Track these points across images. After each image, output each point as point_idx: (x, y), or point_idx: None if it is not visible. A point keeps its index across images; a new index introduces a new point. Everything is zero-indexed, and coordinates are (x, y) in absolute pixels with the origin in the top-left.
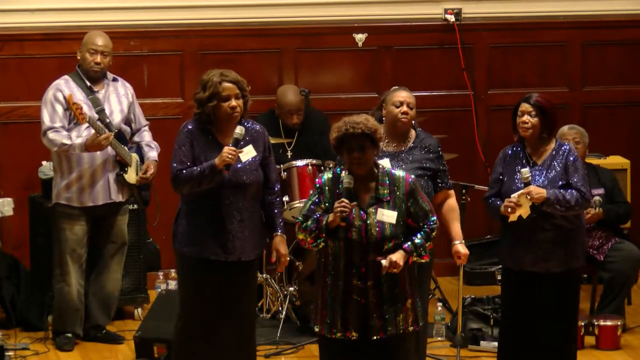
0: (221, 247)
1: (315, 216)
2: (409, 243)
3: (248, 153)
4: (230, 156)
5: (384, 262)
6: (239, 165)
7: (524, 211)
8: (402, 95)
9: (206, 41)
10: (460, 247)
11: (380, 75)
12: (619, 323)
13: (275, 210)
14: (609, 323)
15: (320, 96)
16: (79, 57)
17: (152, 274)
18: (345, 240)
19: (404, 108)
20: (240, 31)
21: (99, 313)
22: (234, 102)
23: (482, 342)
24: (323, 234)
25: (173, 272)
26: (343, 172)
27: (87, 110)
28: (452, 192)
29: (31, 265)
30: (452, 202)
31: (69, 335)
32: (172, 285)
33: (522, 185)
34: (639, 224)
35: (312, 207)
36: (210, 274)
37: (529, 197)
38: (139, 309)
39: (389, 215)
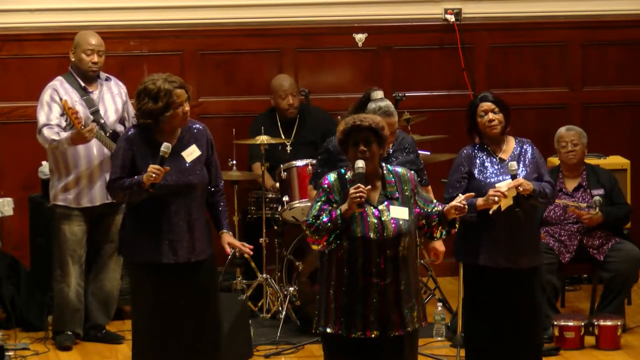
0: (171, 250)
1: (327, 212)
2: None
3: (192, 153)
4: (154, 175)
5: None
6: (186, 166)
7: (505, 202)
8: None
9: (206, 41)
10: (438, 245)
11: (380, 75)
12: (619, 323)
13: (220, 209)
14: (609, 323)
15: (320, 96)
16: (73, 59)
17: None
18: (363, 239)
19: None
20: (240, 31)
21: (98, 313)
22: (187, 107)
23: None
24: (338, 227)
25: None
26: (348, 172)
27: (82, 109)
28: (429, 188)
29: (31, 265)
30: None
31: (69, 333)
32: None
33: (503, 178)
34: (639, 224)
35: (321, 207)
36: (162, 278)
37: (520, 189)
38: None
39: (401, 211)
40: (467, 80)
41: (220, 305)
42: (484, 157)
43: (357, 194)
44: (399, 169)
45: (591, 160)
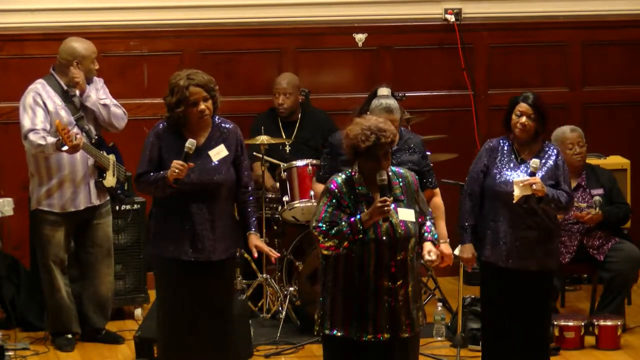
0: (191, 247)
1: (344, 220)
2: (429, 235)
3: (220, 152)
4: (177, 171)
5: (434, 257)
6: (211, 165)
7: (517, 197)
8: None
9: (206, 41)
10: (444, 248)
11: (380, 75)
12: (619, 323)
13: (249, 209)
14: (609, 323)
15: (320, 96)
16: (80, 69)
17: (152, 274)
18: (375, 241)
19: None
20: (240, 31)
21: (95, 317)
22: (202, 106)
23: (482, 342)
24: (358, 236)
25: None
26: (355, 174)
27: (65, 115)
28: (437, 190)
29: (31, 265)
30: (437, 200)
31: (69, 336)
32: None
33: (520, 175)
34: (639, 224)
35: (334, 212)
36: (182, 275)
37: (533, 187)
38: (139, 309)
39: (408, 213)
40: (467, 80)
41: (233, 304)
42: (507, 153)
43: (385, 208)
44: (402, 170)
45: (591, 160)
